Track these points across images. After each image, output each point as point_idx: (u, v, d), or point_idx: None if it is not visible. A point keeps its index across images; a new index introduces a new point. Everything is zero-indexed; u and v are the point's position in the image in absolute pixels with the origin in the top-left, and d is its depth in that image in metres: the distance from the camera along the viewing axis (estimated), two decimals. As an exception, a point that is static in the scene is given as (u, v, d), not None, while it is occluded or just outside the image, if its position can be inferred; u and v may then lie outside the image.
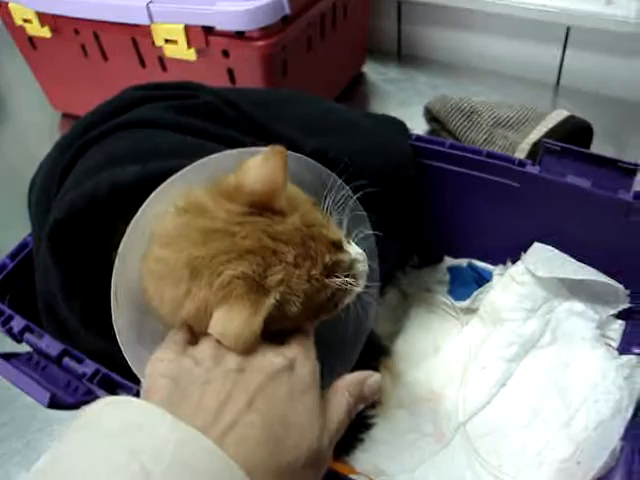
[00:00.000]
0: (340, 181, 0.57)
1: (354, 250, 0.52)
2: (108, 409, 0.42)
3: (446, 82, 1.33)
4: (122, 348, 0.51)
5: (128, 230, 0.50)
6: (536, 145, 1.02)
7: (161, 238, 0.48)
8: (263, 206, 0.48)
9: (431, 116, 1.18)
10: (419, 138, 0.84)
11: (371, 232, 0.61)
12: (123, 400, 0.42)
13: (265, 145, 0.50)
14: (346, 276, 0.49)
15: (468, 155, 0.81)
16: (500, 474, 0.70)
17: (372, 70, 1.39)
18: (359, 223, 0.57)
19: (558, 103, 1.25)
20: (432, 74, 1.36)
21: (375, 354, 0.79)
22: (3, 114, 1.42)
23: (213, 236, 0.46)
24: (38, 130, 1.35)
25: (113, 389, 0.63)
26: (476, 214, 0.86)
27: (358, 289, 0.52)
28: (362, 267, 0.52)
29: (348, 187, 0.58)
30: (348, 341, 0.60)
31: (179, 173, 0.51)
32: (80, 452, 0.39)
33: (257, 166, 0.48)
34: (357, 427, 0.74)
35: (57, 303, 0.61)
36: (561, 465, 0.70)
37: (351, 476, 0.57)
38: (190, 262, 0.46)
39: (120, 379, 0.63)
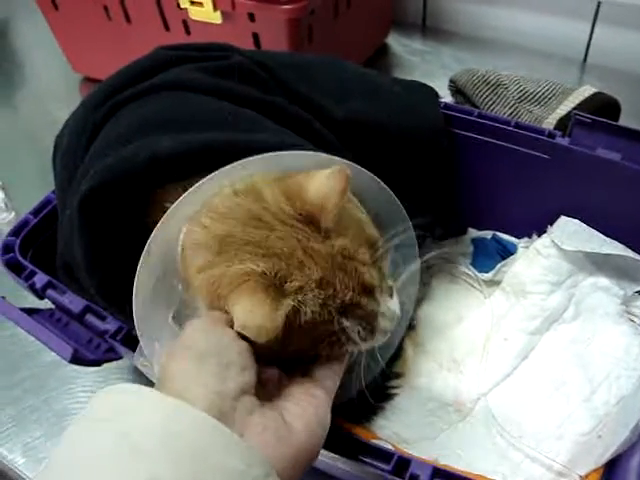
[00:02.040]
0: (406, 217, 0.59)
1: (387, 304, 0.51)
2: (101, 397, 0.42)
3: (471, 56, 1.31)
4: (134, 298, 0.51)
5: (186, 193, 0.50)
6: (562, 120, 1.00)
7: (211, 210, 0.49)
8: (311, 219, 0.48)
9: (456, 88, 1.16)
10: (447, 106, 0.83)
11: (417, 277, 0.64)
12: (118, 387, 0.42)
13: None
14: (362, 325, 0.49)
15: (496, 125, 0.80)
16: (520, 445, 0.70)
17: (396, 42, 1.37)
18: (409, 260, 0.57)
19: (585, 80, 1.23)
20: (457, 47, 1.34)
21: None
22: (22, 76, 1.41)
23: (255, 223, 0.47)
24: (58, 93, 1.34)
25: (136, 346, 0.62)
26: (502, 186, 0.85)
27: (366, 345, 0.51)
28: (387, 325, 0.51)
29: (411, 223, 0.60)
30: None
31: (250, 159, 0.51)
32: (72, 443, 0.39)
33: (321, 180, 0.48)
34: (379, 397, 0.73)
35: (77, 266, 0.60)
36: (581, 438, 0.69)
37: (373, 441, 0.56)
38: (223, 238, 0.47)
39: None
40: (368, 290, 0.49)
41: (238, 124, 0.59)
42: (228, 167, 0.51)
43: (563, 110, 1.04)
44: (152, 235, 0.50)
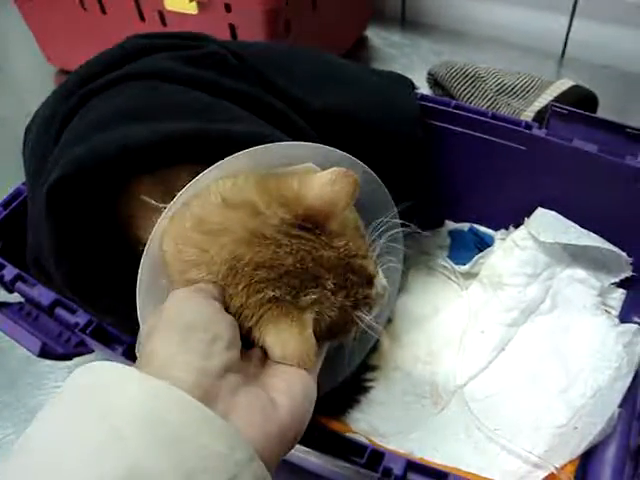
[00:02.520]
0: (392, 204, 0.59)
1: (380, 284, 0.51)
2: (79, 374, 0.39)
3: (450, 49, 1.30)
4: (137, 296, 0.49)
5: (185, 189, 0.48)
6: (540, 113, 1.00)
7: (202, 223, 0.46)
8: (316, 224, 0.47)
9: (435, 81, 1.16)
10: (424, 97, 0.81)
11: (400, 266, 0.63)
12: (97, 365, 0.39)
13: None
14: (368, 308, 0.50)
15: (473, 116, 0.79)
16: (496, 437, 0.69)
17: (375, 35, 1.36)
18: (390, 251, 0.55)
19: (563, 73, 1.22)
20: (436, 40, 1.33)
21: None
22: (-4, 67, 1.38)
23: (260, 241, 0.45)
24: (32, 85, 1.32)
25: (106, 340, 0.62)
26: (479, 177, 0.85)
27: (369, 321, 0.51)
28: (380, 298, 0.52)
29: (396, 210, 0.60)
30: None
31: (242, 153, 0.49)
32: (48, 425, 0.37)
33: (324, 184, 0.47)
34: (355, 389, 0.73)
35: (46, 259, 0.58)
36: (558, 430, 0.70)
37: (347, 434, 0.56)
38: (231, 262, 0.45)
39: (113, 330, 0.62)
40: (371, 280, 0.49)
41: (214, 114, 0.58)
42: (227, 160, 0.49)
43: (541, 103, 1.04)
44: (153, 231, 0.48)
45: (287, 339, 0.44)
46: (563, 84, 1.06)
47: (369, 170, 0.56)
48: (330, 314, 0.46)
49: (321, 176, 0.47)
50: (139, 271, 0.48)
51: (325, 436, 0.53)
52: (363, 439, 0.66)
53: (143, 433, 0.34)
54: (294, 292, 0.45)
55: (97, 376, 0.39)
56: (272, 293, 0.44)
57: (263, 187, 0.48)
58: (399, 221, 0.59)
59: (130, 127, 0.54)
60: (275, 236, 0.45)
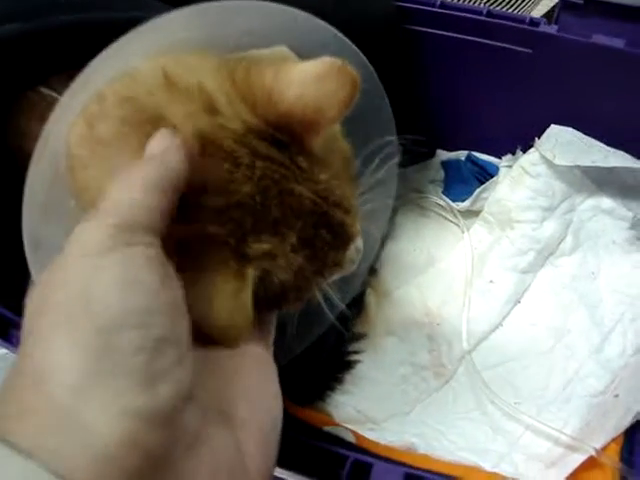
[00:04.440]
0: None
1: (355, 246, 0.40)
2: None
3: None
4: (23, 216, 0.36)
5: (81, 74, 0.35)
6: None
7: (130, 103, 0.34)
8: (293, 137, 0.35)
9: None
10: None
11: (390, 202, 0.54)
12: None
13: None
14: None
15: (464, 15, 0.69)
16: (517, 414, 0.60)
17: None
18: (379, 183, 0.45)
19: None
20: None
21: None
22: None
23: (210, 151, 0.33)
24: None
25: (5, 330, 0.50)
26: (476, 93, 0.76)
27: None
28: (352, 255, 0.40)
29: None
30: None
31: (186, 9, 0.36)
32: None
33: (309, 81, 0.34)
34: (336, 366, 0.64)
35: None
36: (594, 400, 0.61)
37: (325, 428, 0.43)
38: None
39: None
40: (348, 243, 0.39)
41: (116, 5, 0.47)
42: (139, 30, 0.35)
43: (541, 11, 0.97)
44: (44, 132, 0.35)
45: (215, 297, 0.32)
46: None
47: (367, 63, 0.45)
48: (282, 276, 0.35)
49: (305, 68, 0.35)
50: (27, 182, 0.35)
51: (289, 442, 0.39)
52: (349, 435, 0.55)
53: None
54: (241, 234, 0.33)
55: None
56: (214, 229, 0.32)
57: (224, 74, 0.35)
58: (397, 146, 0.50)
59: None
60: (233, 148, 0.33)
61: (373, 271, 0.71)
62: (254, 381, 0.33)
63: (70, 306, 0.25)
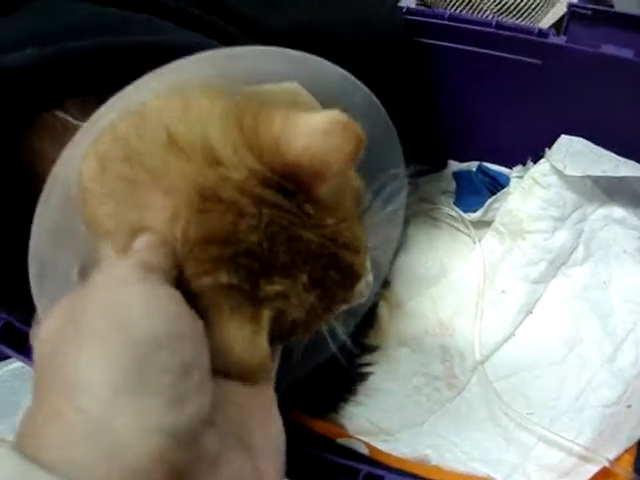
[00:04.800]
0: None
1: (365, 280, 0.40)
2: None
3: (440, -32, 1.17)
4: (30, 247, 0.37)
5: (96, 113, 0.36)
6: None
7: (136, 157, 0.34)
8: (300, 186, 0.35)
9: (423, 5, 1.07)
10: (410, 11, 0.70)
11: (402, 213, 0.53)
12: None
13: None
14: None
15: (473, 28, 0.69)
16: (530, 424, 0.60)
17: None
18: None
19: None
20: (423, -40, 1.20)
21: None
22: None
23: (214, 206, 0.32)
24: None
25: (19, 342, 0.51)
26: (486, 104, 0.75)
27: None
28: (362, 289, 0.41)
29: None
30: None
31: (198, 56, 0.37)
32: None
33: (317, 133, 0.33)
34: (349, 377, 0.64)
35: None
36: (607, 410, 0.61)
37: (339, 440, 0.43)
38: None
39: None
40: (356, 282, 0.39)
41: (129, 29, 0.47)
42: (155, 72, 0.36)
43: (550, 20, 0.97)
44: (59, 159, 0.36)
45: (234, 343, 0.32)
46: (576, -4, 1.00)
47: (378, 104, 0.46)
48: (295, 315, 0.35)
49: (312, 121, 0.34)
50: (38, 205, 0.35)
51: (303, 455, 0.40)
52: (362, 446, 0.54)
53: None
54: (253, 278, 0.33)
55: None
56: (226, 278, 0.32)
57: (232, 122, 0.35)
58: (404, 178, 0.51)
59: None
60: (236, 198, 0.33)
61: (386, 283, 0.71)
62: (265, 411, 0.34)
63: (102, 327, 0.27)
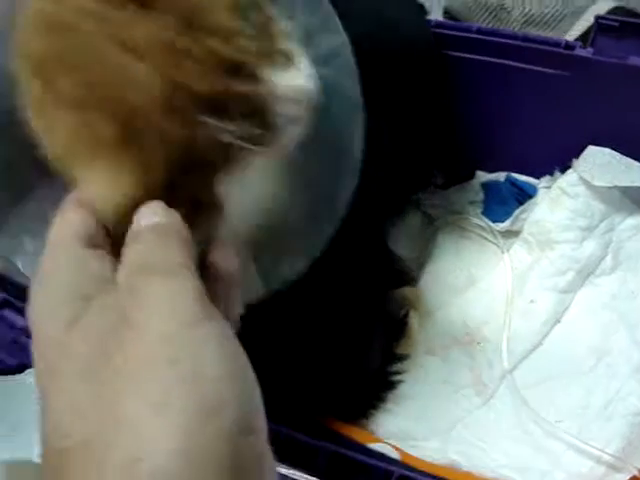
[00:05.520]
0: None
1: (284, 79, 0.33)
2: None
3: (466, -18, 1.17)
4: None
5: None
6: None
7: None
8: None
9: (451, 19, 1.05)
10: (439, 24, 0.71)
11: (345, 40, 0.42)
12: None
13: None
14: (253, 123, 0.32)
15: (501, 40, 0.69)
16: (558, 432, 0.60)
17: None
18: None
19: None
20: (450, -26, 1.20)
21: (396, 280, 0.69)
22: None
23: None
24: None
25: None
26: (514, 116, 0.75)
27: (267, 149, 0.33)
28: (292, 108, 0.33)
29: None
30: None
31: None
32: None
33: None
34: (379, 385, 0.64)
35: None
36: (635, 419, 0.60)
37: (370, 445, 0.43)
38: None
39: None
40: (235, 69, 0.31)
41: None
42: None
43: (577, 31, 0.94)
44: None
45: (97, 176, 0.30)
46: (602, 7, 0.94)
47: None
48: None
49: None
50: None
51: (336, 458, 0.41)
52: (392, 450, 0.54)
53: None
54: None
55: None
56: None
57: None
58: None
59: None
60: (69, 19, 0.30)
61: (411, 279, 0.71)
62: None
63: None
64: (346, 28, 0.61)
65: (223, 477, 0.22)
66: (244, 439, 0.23)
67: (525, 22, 0.98)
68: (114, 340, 0.24)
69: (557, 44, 0.67)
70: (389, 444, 0.58)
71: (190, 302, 0.26)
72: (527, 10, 0.98)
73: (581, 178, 0.70)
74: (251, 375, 0.26)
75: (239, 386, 0.25)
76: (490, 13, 0.99)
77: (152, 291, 0.26)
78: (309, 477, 0.40)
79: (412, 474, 0.40)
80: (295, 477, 0.39)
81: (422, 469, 0.53)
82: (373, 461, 0.41)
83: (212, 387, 0.23)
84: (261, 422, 0.25)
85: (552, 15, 0.97)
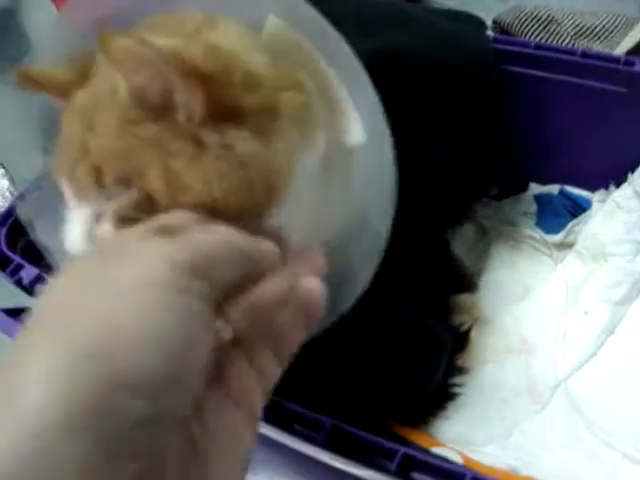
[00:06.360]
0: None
1: None
2: None
3: (516, -6, 1.16)
4: None
5: None
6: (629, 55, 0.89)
7: None
8: None
9: (501, 30, 1.05)
10: (497, 39, 0.71)
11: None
12: None
13: None
14: None
15: (559, 56, 0.68)
16: (614, 441, 0.59)
17: (431, -15, 1.23)
18: None
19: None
20: (499, -14, 1.19)
21: (458, 285, 0.69)
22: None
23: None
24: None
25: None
26: (569, 130, 0.74)
27: None
28: None
29: None
30: None
31: None
32: None
33: None
34: (440, 396, 0.64)
35: None
36: None
37: (434, 449, 0.45)
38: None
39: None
40: None
41: None
42: None
43: (629, 43, 0.94)
44: None
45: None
46: (654, 20, 0.94)
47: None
48: None
49: None
50: None
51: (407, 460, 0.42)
52: (454, 455, 0.55)
53: None
54: None
55: None
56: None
57: None
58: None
59: None
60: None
61: (473, 286, 0.71)
62: None
63: None
64: (402, 44, 0.63)
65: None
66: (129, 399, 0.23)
67: (576, 34, 0.97)
68: None
69: (616, 60, 0.67)
70: (453, 448, 0.58)
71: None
72: (578, 22, 0.97)
73: (636, 192, 0.70)
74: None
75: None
76: (540, 24, 0.99)
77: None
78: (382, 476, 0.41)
79: (484, 477, 0.41)
80: (366, 477, 0.40)
81: (486, 474, 0.52)
82: (441, 462, 0.42)
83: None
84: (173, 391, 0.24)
85: (603, 27, 0.97)
